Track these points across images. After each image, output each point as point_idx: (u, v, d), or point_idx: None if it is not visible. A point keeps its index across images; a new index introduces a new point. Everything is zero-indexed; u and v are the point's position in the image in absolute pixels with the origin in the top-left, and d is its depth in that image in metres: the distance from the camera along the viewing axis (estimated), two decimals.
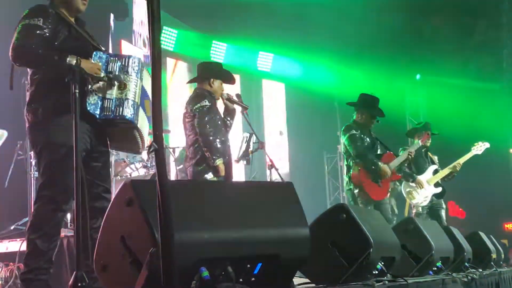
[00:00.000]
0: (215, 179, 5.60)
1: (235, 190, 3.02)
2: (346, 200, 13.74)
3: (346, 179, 7.24)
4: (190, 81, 6.06)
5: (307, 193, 12.78)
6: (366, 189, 6.98)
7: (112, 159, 7.24)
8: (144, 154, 7.88)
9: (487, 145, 7.91)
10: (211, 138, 5.61)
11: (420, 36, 12.70)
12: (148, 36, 1.99)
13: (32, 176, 6.55)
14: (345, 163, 7.32)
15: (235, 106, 6.10)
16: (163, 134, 1.95)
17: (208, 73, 5.93)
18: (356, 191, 7.02)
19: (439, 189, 7.93)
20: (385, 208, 7.07)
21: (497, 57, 12.60)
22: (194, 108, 5.69)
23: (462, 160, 8.19)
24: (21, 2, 4.09)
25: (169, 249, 1.84)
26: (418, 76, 13.05)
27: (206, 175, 5.64)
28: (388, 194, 7.32)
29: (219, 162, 5.60)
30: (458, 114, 11.56)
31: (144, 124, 4.03)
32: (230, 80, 6.06)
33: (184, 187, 2.80)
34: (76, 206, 3.23)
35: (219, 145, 5.67)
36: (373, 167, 6.99)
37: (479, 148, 8.11)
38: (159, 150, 1.83)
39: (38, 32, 3.77)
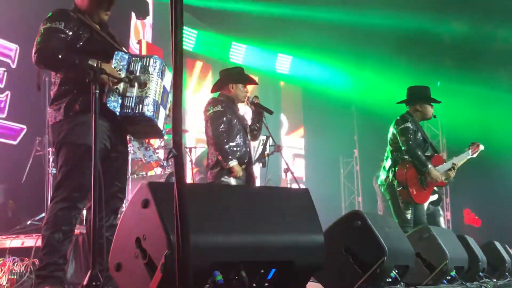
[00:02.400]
0: (233, 181, 5.65)
1: (251, 195, 3.03)
2: (361, 205, 13.80)
3: (385, 173, 6.78)
4: (212, 90, 6.11)
5: (322, 197, 12.75)
6: (410, 189, 6.57)
7: (129, 158, 7.28)
8: (161, 154, 7.94)
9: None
10: (221, 142, 5.68)
11: (442, 42, 12.62)
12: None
13: (49, 172, 6.60)
14: (389, 155, 6.80)
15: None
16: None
17: (226, 79, 6.00)
18: (399, 189, 6.59)
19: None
20: (422, 213, 6.80)
21: None
22: (208, 114, 5.80)
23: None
24: (46, 5, 4.14)
25: (185, 253, 1.85)
26: (438, 83, 12.96)
27: (222, 178, 5.68)
28: (433, 198, 6.93)
29: (232, 163, 5.64)
30: (476, 123, 11.47)
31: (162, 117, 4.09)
32: (249, 82, 6.11)
33: (201, 191, 2.82)
34: (93, 206, 3.25)
35: (234, 148, 5.72)
36: (423, 168, 6.59)
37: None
38: (178, 156, 1.84)
39: (59, 35, 3.81)
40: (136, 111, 3.81)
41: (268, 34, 12.38)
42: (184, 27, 11.55)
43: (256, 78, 12.89)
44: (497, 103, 12.27)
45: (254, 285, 2.81)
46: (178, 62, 1.76)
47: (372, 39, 11.99)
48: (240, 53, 12.66)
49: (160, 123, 4.04)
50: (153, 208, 2.54)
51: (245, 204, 2.87)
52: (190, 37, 11.68)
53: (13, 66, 7.91)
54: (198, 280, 2.56)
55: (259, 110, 6.07)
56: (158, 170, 8.00)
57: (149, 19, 10.65)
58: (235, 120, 5.81)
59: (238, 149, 5.76)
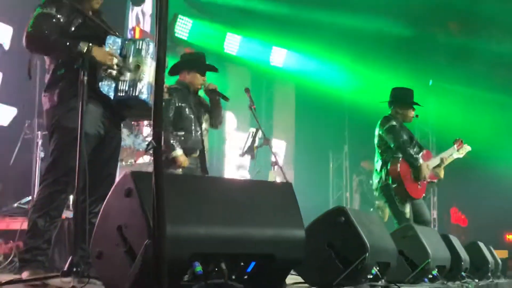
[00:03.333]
0: (179, 172, 5.47)
1: (234, 188, 3.04)
2: (349, 200, 13.84)
3: (378, 176, 6.72)
4: (169, 73, 5.92)
5: (310, 191, 12.81)
6: (406, 185, 6.54)
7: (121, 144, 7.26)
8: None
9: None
10: (164, 131, 5.31)
11: (435, 41, 12.63)
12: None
13: (37, 155, 6.59)
14: (379, 157, 6.75)
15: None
16: None
17: (182, 65, 5.84)
18: (394, 186, 6.55)
19: None
20: (422, 208, 6.78)
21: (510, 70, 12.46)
22: None
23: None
24: None
25: (160, 244, 1.87)
26: (430, 82, 12.99)
27: (169, 168, 5.50)
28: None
29: (175, 154, 5.45)
30: (466, 123, 11.51)
31: None
32: (204, 70, 5.81)
33: (183, 182, 2.83)
34: (76, 191, 3.27)
35: (181, 138, 5.56)
36: (413, 161, 6.60)
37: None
38: (157, 148, 1.86)
39: (51, 20, 3.85)
40: (131, 94, 3.83)
41: (264, 27, 12.34)
42: (180, 16, 11.56)
43: (249, 70, 12.94)
44: (487, 104, 12.32)
45: (234, 277, 2.83)
46: (162, 56, 1.77)
47: (367, 37, 11.99)
48: (234, 44, 12.58)
49: None
50: (135, 197, 2.55)
51: (227, 196, 2.88)
52: (185, 26, 11.60)
53: (6, 48, 7.88)
54: (177, 271, 2.57)
55: (214, 97, 5.82)
56: (146, 158, 7.98)
57: (149, 9, 10.60)
58: (186, 108, 5.65)
59: (188, 139, 5.60)
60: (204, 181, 3.08)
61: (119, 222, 2.65)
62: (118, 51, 3.87)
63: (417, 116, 6.97)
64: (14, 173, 7.17)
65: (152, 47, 3.93)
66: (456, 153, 7.11)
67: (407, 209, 6.60)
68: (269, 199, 3.03)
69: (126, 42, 3.93)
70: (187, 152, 5.55)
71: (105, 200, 2.79)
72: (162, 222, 1.83)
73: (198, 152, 5.69)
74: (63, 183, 3.82)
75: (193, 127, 5.65)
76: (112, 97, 3.82)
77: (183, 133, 5.60)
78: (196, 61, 5.87)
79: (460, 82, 12.42)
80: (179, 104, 5.61)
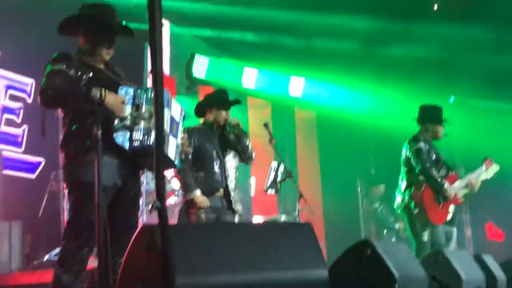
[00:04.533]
0: (202, 215, 5.44)
1: (252, 232, 3.03)
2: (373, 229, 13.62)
3: (401, 196, 6.70)
4: (195, 113, 5.95)
5: (340, 220, 12.72)
6: (428, 210, 6.52)
7: (143, 189, 7.31)
8: (175, 184, 7.95)
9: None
10: (181, 174, 5.51)
11: (454, 57, 12.51)
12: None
13: (64, 206, 6.66)
14: (404, 177, 6.75)
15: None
16: None
17: (204, 104, 5.92)
18: (415, 211, 6.53)
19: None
20: (439, 233, 6.66)
21: None
22: None
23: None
24: (61, 39, 4.27)
25: None
26: (451, 99, 12.87)
27: (194, 211, 5.47)
28: (448, 218, 6.77)
29: (192, 195, 5.44)
30: (493, 139, 11.35)
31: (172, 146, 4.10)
32: (226, 106, 5.85)
33: (200, 230, 2.83)
34: (98, 245, 3.28)
35: (201, 180, 5.56)
36: (438, 187, 6.56)
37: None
38: (162, 208, 1.87)
39: (62, 75, 3.89)
40: (145, 144, 3.85)
41: (280, 58, 12.37)
42: (196, 54, 11.67)
43: (269, 104, 12.95)
44: None
45: None
46: (159, 90, 1.78)
47: (385, 57, 11.96)
48: (252, 78, 12.60)
49: (171, 153, 4.06)
50: (154, 251, 2.55)
51: (246, 241, 2.87)
52: (202, 65, 11.69)
53: (29, 100, 8.05)
54: None
55: (237, 133, 5.81)
56: (172, 200, 8.02)
57: (166, 52, 10.73)
58: (207, 147, 5.67)
59: (209, 178, 5.61)
60: (221, 227, 3.08)
61: (141, 275, 2.66)
62: (131, 100, 3.91)
63: (446, 134, 6.93)
64: (43, 225, 7.26)
65: (164, 95, 3.95)
66: (484, 173, 7.01)
67: (426, 232, 6.56)
68: (289, 241, 3.01)
69: (138, 91, 3.95)
70: (207, 192, 5.53)
71: (125, 254, 2.80)
72: (171, 281, 1.83)
73: (222, 191, 5.69)
74: (84, 237, 3.84)
75: (214, 166, 5.65)
76: (127, 148, 3.85)
77: (203, 172, 5.60)
78: (218, 98, 5.93)
79: (484, 96, 12.27)
80: (199, 143, 5.64)
